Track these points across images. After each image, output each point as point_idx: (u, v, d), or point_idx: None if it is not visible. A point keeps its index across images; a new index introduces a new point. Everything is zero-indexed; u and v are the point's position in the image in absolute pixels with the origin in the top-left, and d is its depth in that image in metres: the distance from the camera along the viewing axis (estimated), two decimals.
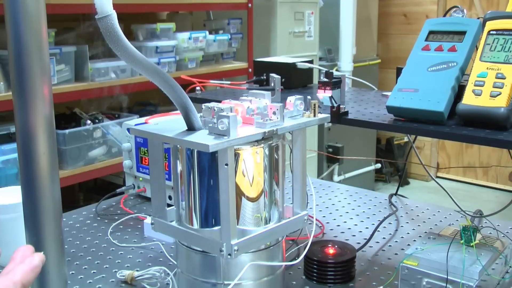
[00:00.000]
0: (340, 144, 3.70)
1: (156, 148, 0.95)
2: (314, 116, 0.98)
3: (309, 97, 0.99)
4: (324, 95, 1.10)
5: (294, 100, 0.98)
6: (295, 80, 1.48)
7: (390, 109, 1.10)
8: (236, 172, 0.89)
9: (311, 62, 1.50)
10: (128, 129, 1.52)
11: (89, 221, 1.41)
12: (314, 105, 0.98)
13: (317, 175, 3.69)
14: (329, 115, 1.00)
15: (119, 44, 0.79)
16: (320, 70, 1.30)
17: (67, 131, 2.41)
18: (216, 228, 0.91)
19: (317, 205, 1.51)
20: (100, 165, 2.58)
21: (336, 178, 3.84)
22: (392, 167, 4.48)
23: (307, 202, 1.02)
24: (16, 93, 0.82)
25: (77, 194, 2.92)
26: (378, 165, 4.25)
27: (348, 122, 1.12)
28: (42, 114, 0.83)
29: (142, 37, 2.81)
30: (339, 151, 3.67)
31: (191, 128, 0.90)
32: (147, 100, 3.14)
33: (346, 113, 1.13)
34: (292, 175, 0.99)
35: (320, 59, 3.75)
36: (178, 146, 0.93)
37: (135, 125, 1.54)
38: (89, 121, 2.50)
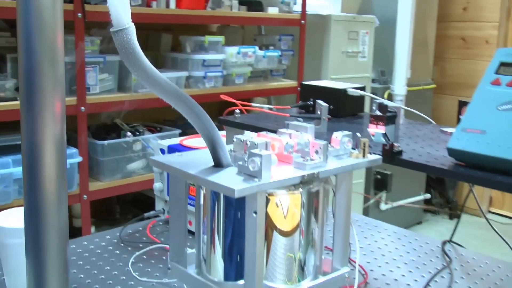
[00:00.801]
0: (389, 172, 3.51)
1: (178, 184, 0.82)
2: (364, 156, 0.84)
3: (358, 134, 0.84)
4: (376, 131, 0.95)
5: (341, 137, 0.84)
6: (344, 108, 1.33)
7: (452, 152, 0.94)
8: (266, 219, 0.75)
9: (363, 89, 1.35)
10: (162, 150, 1.41)
11: (111, 247, 1.29)
12: (364, 144, 0.83)
13: (363, 202, 3.51)
14: (380, 156, 0.85)
15: (136, 63, 0.67)
16: (372, 99, 1.15)
17: (106, 142, 2.32)
18: (240, 282, 0.77)
19: (361, 247, 1.35)
20: (139, 178, 2.47)
21: (383, 206, 3.64)
22: (443, 198, 4.24)
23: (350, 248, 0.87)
24: (23, 108, 0.71)
25: (114, 206, 2.84)
26: (428, 195, 4.03)
27: (402, 164, 0.97)
28: (52, 133, 0.72)
29: (190, 49, 2.70)
30: (387, 178, 3.48)
31: (218, 164, 0.77)
32: None
33: (400, 152, 0.98)
34: (333, 224, 0.85)
35: (373, 81, 3.58)
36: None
37: (169, 146, 1.42)
38: (129, 133, 2.41)
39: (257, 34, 3.24)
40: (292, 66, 3.11)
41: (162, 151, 1.40)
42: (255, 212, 0.70)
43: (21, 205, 2.05)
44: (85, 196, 2.26)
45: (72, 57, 2.17)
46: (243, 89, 2.82)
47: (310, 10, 3.08)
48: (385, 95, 3.55)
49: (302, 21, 2.96)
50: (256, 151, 0.72)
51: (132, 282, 1.13)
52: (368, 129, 0.96)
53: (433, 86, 4.14)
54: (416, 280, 1.19)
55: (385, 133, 0.94)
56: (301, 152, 0.82)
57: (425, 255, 1.32)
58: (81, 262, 1.20)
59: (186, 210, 0.83)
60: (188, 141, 1.42)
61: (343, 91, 1.32)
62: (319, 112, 1.16)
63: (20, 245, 1.00)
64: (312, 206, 0.79)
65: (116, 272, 1.18)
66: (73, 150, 2.19)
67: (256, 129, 1.19)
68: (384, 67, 3.66)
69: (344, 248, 0.84)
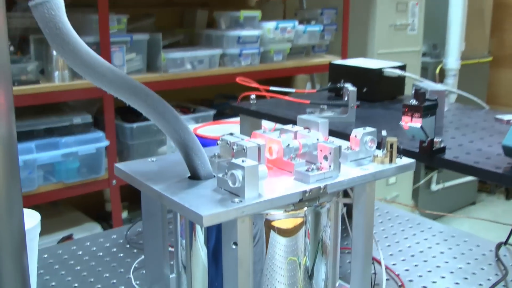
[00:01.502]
0: None
1: (149, 198, 0.64)
2: (391, 161, 0.63)
3: (384, 132, 0.64)
4: (411, 124, 0.74)
5: (361, 135, 0.64)
6: (380, 90, 1.12)
7: (508, 151, 0.72)
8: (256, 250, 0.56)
9: (402, 68, 1.13)
10: None
11: (115, 249, 1.13)
12: (391, 145, 0.63)
13: (413, 183, 3.25)
14: (413, 161, 0.65)
15: (65, 46, 0.48)
16: (414, 81, 0.93)
17: (134, 125, 2.17)
18: None
19: (400, 251, 1.14)
20: None
21: (434, 187, 3.38)
22: None
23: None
24: None
25: None
26: None
27: (444, 165, 0.75)
28: None
29: (225, 26, 2.51)
30: None
31: (194, 175, 0.58)
32: (231, 93, 2.85)
33: (443, 150, 0.77)
34: (352, 247, 0.65)
35: (424, 55, 3.29)
36: None
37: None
38: None
39: (299, 8, 3.00)
40: (336, 41, 2.87)
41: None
42: (235, 244, 0.51)
43: (47, 192, 1.91)
44: (114, 181, 2.12)
45: (96, 36, 2.01)
46: (282, 67, 2.61)
47: None
48: (437, 70, 3.26)
49: None
50: (238, 161, 0.52)
51: None
52: (401, 122, 0.75)
53: (490, 59, 3.80)
54: None
55: (422, 127, 0.72)
56: (308, 156, 0.62)
57: (475, 262, 1.10)
58: (78, 268, 1.05)
59: (163, 228, 0.65)
60: (203, 129, 1.24)
61: (378, 71, 1.10)
62: (346, 98, 0.95)
63: None
64: (319, 227, 0.60)
65: (115, 281, 1.01)
66: (100, 134, 2.05)
67: (273, 118, 0.99)
68: (436, 40, 3.36)
69: (364, 278, 0.64)
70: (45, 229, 2.12)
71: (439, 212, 1.50)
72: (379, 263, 1.04)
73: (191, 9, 2.64)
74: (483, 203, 3.72)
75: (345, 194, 0.65)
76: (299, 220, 0.57)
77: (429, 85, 0.92)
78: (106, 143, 2.05)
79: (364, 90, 1.10)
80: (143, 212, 0.65)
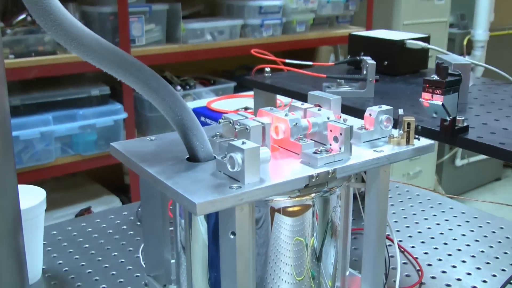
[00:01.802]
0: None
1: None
2: (408, 143, 0.58)
3: (401, 110, 0.58)
4: (432, 101, 0.68)
5: (376, 114, 0.58)
6: (402, 64, 1.05)
7: None
8: (261, 239, 0.51)
9: (426, 39, 1.06)
10: None
11: (125, 227, 1.10)
12: (408, 125, 0.57)
13: (437, 158, 3.17)
14: (432, 142, 0.59)
15: (45, 15, 0.43)
16: (438, 53, 0.87)
17: None
18: None
19: (420, 232, 1.09)
20: None
21: (458, 162, 3.30)
22: None
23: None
24: None
25: None
26: None
27: (467, 145, 0.70)
28: None
29: None
30: None
31: (193, 157, 0.54)
32: (253, 65, 2.78)
33: (466, 129, 0.71)
34: (363, 236, 0.60)
35: (451, 25, 3.17)
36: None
37: (194, 109, 1.20)
38: (179, 87, 2.20)
39: None
40: (360, 11, 2.78)
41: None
42: (233, 233, 0.46)
43: (64, 164, 1.89)
44: None
45: (114, 6, 1.96)
46: (305, 38, 2.54)
47: None
48: (465, 42, 3.15)
49: None
50: (238, 143, 0.48)
51: (138, 274, 0.94)
52: (421, 99, 0.69)
53: None
54: (484, 282, 0.92)
55: (443, 104, 0.67)
56: (318, 136, 0.57)
57: (498, 246, 1.04)
58: (87, 245, 1.02)
59: (163, 212, 0.61)
60: (217, 103, 1.19)
61: (400, 43, 1.04)
62: (365, 72, 0.89)
63: None
64: (328, 214, 0.55)
65: (123, 260, 0.98)
66: (118, 106, 2.01)
67: (287, 93, 0.94)
68: (464, 10, 3.23)
69: (376, 269, 0.59)
70: (64, 201, 2.12)
71: (460, 197, 1.43)
72: (392, 241, 0.99)
73: None
74: (509, 178, 3.62)
75: (359, 178, 0.60)
76: (306, 207, 0.52)
77: (453, 58, 0.86)
78: (124, 115, 2.01)
79: (385, 63, 1.04)
80: (142, 195, 0.60)
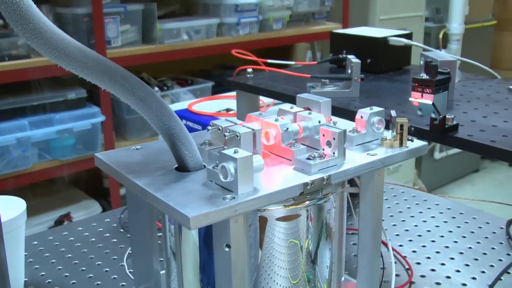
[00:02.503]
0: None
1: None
2: (401, 145, 0.56)
3: (393, 112, 0.57)
4: (422, 101, 0.67)
5: (367, 116, 0.57)
6: (386, 61, 1.04)
7: None
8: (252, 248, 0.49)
9: (408, 36, 1.05)
10: None
11: (108, 234, 1.07)
12: (402, 127, 0.56)
13: None
14: (425, 143, 0.58)
15: (24, 24, 0.41)
16: (423, 50, 0.86)
17: None
18: None
19: (407, 230, 1.08)
20: None
21: (437, 155, 3.32)
22: None
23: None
24: None
25: None
26: None
27: (458, 144, 0.69)
28: None
29: None
30: None
31: (182, 167, 0.52)
32: (230, 63, 2.76)
33: (456, 127, 0.70)
34: (358, 241, 0.59)
35: (427, 19, 3.19)
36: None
37: (175, 111, 1.17)
38: (156, 88, 2.17)
39: None
40: (336, 7, 2.77)
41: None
42: (228, 246, 0.45)
43: (42, 170, 1.84)
44: None
45: (88, 8, 1.92)
46: (282, 35, 2.52)
47: None
48: (440, 35, 3.17)
49: None
50: (230, 151, 0.46)
51: (124, 283, 0.91)
52: (410, 98, 0.68)
53: (494, 22, 3.69)
54: (474, 278, 0.91)
55: (433, 104, 0.65)
56: (309, 141, 0.55)
57: (485, 241, 1.04)
58: (69, 255, 0.99)
59: (151, 222, 0.59)
60: (198, 105, 1.17)
61: (383, 40, 1.03)
62: (349, 71, 0.88)
63: None
64: (323, 220, 0.53)
65: (107, 269, 0.95)
66: (95, 109, 1.98)
67: (270, 94, 0.92)
68: (439, 4, 3.25)
69: (372, 273, 0.58)
70: (42, 208, 2.07)
71: (443, 195, 1.43)
72: (385, 245, 0.98)
73: None
74: (487, 169, 3.66)
75: (351, 181, 0.59)
76: (299, 215, 0.50)
77: (438, 54, 0.85)
78: (102, 118, 1.98)
79: (368, 61, 1.03)
80: (129, 205, 0.58)
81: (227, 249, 0.44)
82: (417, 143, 0.57)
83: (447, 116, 0.70)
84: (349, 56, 0.88)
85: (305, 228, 0.52)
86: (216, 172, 0.46)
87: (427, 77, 0.66)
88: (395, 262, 0.95)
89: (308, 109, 0.59)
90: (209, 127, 0.54)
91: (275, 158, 0.54)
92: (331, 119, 0.59)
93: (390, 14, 2.82)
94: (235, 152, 0.45)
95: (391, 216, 1.12)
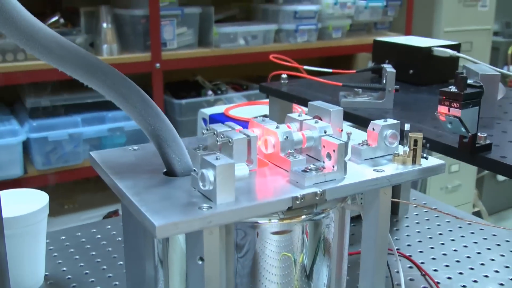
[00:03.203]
0: None
1: None
2: (414, 162, 0.51)
3: (407, 126, 0.52)
4: (449, 115, 0.61)
5: (379, 129, 0.52)
6: (429, 72, 0.98)
7: None
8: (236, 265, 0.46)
9: (456, 47, 0.98)
10: (204, 120, 1.14)
11: (120, 238, 1.05)
12: (415, 142, 0.51)
13: (477, 172, 3.04)
14: (442, 162, 0.52)
15: None
16: (468, 62, 0.79)
17: (184, 101, 2.10)
18: None
19: (445, 254, 1.01)
20: None
21: (500, 177, 3.15)
22: None
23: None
24: None
25: None
26: None
27: (487, 165, 0.62)
28: None
29: (282, 0, 2.38)
30: None
31: (170, 171, 0.49)
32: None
33: (489, 147, 0.64)
34: (360, 266, 0.54)
35: (496, 33, 3.04)
36: None
37: (211, 115, 1.15)
38: (210, 91, 2.16)
39: None
40: (399, 17, 2.68)
41: (205, 121, 1.14)
42: (201, 259, 0.41)
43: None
44: None
45: (146, 9, 1.94)
46: (342, 44, 2.46)
47: None
48: (510, 51, 3.01)
49: None
50: (211, 157, 0.42)
51: None
52: (436, 112, 0.62)
53: None
54: None
55: (460, 119, 0.60)
56: (313, 152, 0.51)
57: None
58: (93, 253, 0.98)
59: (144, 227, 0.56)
60: (235, 110, 1.14)
61: (427, 50, 0.96)
62: (384, 80, 0.83)
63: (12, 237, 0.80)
64: (322, 239, 0.49)
65: (110, 275, 0.93)
66: None
67: (302, 101, 0.88)
68: (510, 18, 3.09)
69: None
70: (93, 203, 2.10)
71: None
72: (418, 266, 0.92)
73: None
74: None
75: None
76: (292, 231, 0.46)
77: (481, 68, 0.78)
78: None
79: (410, 71, 0.97)
80: (122, 209, 0.56)
81: (200, 262, 0.41)
82: (432, 161, 0.52)
83: (479, 135, 0.64)
84: (385, 65, 0.83)
85: (299, 243, 0.47)
86: (197, 178, 0.43)
87: (456, 90, 0.60)
88: None
89: (318, 117, 0.55)
90: (205, 131, 0.50)
91: (273, 168, 0.50)
92: (342, 130, 0.55)
93: (455, 26, 2.71)
94: (216, 158, 0.42)
95: (430, 238, 1.05)
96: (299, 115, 0.54)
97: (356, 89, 0.85)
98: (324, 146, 0.48)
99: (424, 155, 0.52)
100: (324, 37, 2.43)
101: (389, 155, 0.53)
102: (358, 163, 0.51)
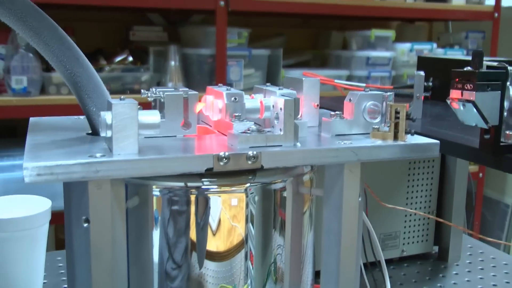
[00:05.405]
0: None
1: None
2: (396, 138, 0.40)
3: (390, 93, 0.41)
4: (462, 100, 0.49)
5: (357, 99, 0.42)
6: None
7: None
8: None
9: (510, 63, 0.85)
10: None
11: None
12: (397, 111, 0.40)
13: None
14: (435, 141, 0.41)
15: None
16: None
17: None
18: None
19: (455, 283, 0.84)
20: None
21: None
22: None
23: None
24: None
25: None
26: None
27: None
28: None
29: (356, 46, 2.30)
30: None
31: (92, 128, 0.41)
32: None
33: None
34: (321, 274, 0.42)
35: None
36: None
37: None
38: None
39: (444, 32, 2.70)
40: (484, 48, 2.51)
41: None
42: (87, 221, 0.33)
43: None
44: None
45: (213, 49, 1.93)
46: None
47: (506, 1, 2.45)
48: None
49: (496, 14, 2.35)
50: (116, 100, 0.34)
51: None
52: (448, 99, 0.50)
53: None
54: None
55: (474, 103, 0.48)
56: (273, 122, 0.42)
57: None
58: None
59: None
60: None
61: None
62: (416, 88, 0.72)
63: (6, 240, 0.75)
64: (272, 214, 0.39)
65: None
66: None
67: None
68: None
69: None
70: None
71: None
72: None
73: (327, 32, 2.48)
74: None
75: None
76: (234, 196, 0.37)
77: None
78: None
79: None
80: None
81: (85, 225, 0.33)
82: (419, 138, 0.40)
83: (506, 133, 0.51)
84: (417, 72, 0.72)
85: (242, 212, 0.38)
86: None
87: (470, 69, 0.49)
88: None
89: (293, 90, 0.46)
90: (149, 93, 0.43)
91: (218, 136, 0.41)
92: (318, 105, 0.45)
93: None
94: (120, 98, 0.34)
95: (467, 281, 0.89)
96: (266, 85, 0.46)
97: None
98: (273, 107, 0.39)
99: (412, 130, 0.41)
100: (398, 84, 2.31)
101: (367, 133, 0.42)
102: (327, 138, 0.41)
